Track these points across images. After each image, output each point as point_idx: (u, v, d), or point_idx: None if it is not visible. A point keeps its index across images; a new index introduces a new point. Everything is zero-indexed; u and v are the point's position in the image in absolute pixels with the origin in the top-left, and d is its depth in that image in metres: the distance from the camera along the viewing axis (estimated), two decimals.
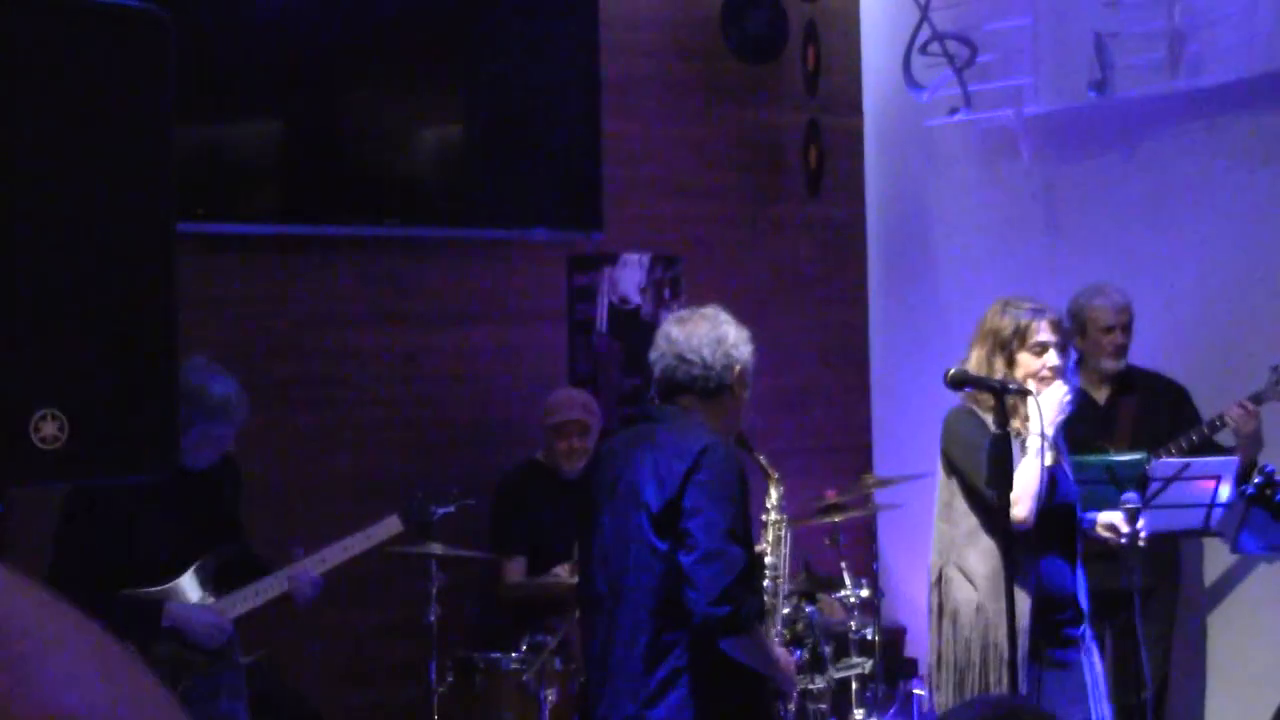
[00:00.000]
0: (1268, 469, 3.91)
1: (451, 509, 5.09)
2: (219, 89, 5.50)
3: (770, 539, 4.06)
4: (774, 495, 4.09)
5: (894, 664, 6.26)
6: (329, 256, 5.85)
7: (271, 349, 5.74)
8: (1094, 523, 4.39)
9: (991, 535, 4.16)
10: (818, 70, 6.78)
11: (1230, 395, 5.23)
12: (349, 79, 5.83)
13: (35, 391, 2.03)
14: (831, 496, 5.59)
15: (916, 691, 5.93)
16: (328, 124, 5.81)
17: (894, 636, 6.51)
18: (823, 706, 5.14)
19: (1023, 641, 3.99)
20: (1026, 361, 4.17)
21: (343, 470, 5.80)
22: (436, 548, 5.07)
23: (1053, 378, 4.16)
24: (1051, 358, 4.17)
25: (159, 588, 4.39)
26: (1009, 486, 3.83)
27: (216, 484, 4.57)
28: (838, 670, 5.23)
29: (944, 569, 4.29)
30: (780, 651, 3.82)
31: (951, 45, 6.23)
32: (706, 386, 3.78)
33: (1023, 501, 4.03)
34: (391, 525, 4.78)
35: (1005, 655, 3.93)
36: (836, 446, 6.92)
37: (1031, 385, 4.13)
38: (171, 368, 2.18)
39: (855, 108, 7.04)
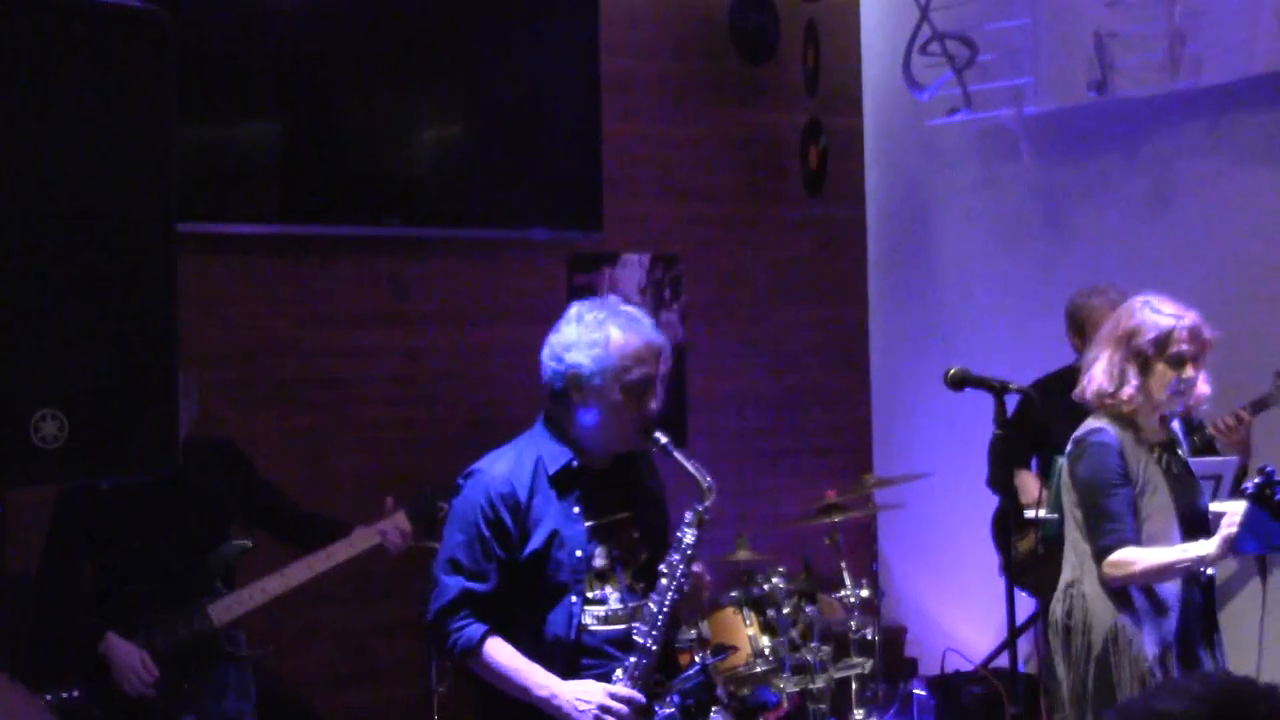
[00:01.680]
0: (1268, 470, 3.89)
1: None
2: (219, 89, 5.51)
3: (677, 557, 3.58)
4: (698, 507, 3.55)
5: (894, 664, 6.26)
6: (329, 256, 5.85)
7: (271, 349, 5.74)
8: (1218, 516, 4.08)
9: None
10: (818, 70, 6.78)
11: (1230, 396, 5.22)
12: (349, 79, 5.83)
13: (35, 391, 2.03)
14: (831, 496, 5.59)
15: (916, 691, 5.93)
16: (328, 124, 5.81)
17: (894, 636, 6.52)
18: (823, 706, 5.14)
19: (1171, 655, 3.89)
20: (1162, 372, 3.90)
21: (343, 470, 5.80)
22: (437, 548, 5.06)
23: (1187, 393, 3.91)
24: (1188, 371, 3.90)
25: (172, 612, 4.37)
26: (1011, 487, 3.72)
27: (198, 474, 4.47)
28: (838, 670, 5.23)
29: (1076, 583, 4.00)
30: (568, 692, 3.43)
31: (951, 45, 6.23)
32: (549, 392, 3.58)
33: (1130, 575, 3.88)
34: (399, 521, 4.76)
35: (1148, 670, 3.83)
36: (836, 446, 6.92)
37: (1167, 399, 3.92)
38: (171, 368, 2.18)
39: (855, 108, 7.04)
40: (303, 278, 5.81)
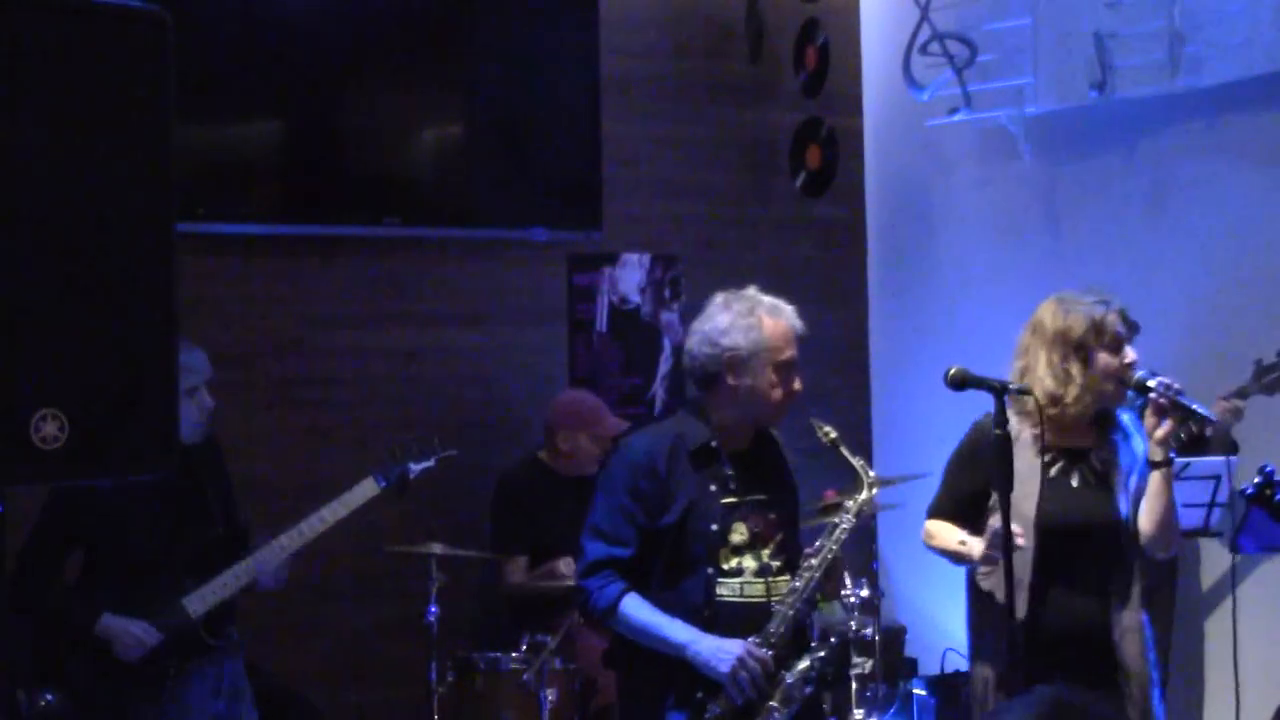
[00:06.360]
0: (1268, 469, 3.88)
1: (431, 463, 4.84)
2: (219, 89, 5.50)
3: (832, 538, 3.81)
4: (859, 498, 3.85)
5: (894, 664, 6.26)
6: (329, 256, 5.85)
7: (271, 349, 5.74)
8: None
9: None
10: (818, 70, 6.78)
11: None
12: (349, 79, 5.83)
13: (35, 391, 2.03)
14: (831, 496, 5.59)
15: (916, 691, 5.92)
16: (328, 124, 5.81)
17: (894, 636, 6.51)
18: (823, 706, 5.14)
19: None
20: (1106, 361, 3.75)
21: (343, 470, 5.78)
22: (437, 548, 5.05)
23: (1131, 374, 3.75)
24: (1129, 353, 3.79)
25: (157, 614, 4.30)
26: (1010, 486, 3.62)
27: (198, 463, 4.43)
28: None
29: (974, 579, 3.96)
30: (709, 641, 3.59)
31: (951, 45, 6.22)
32: (697, 378, 3.81)
33: (929, 545, 3.98)
34: (367, 488, 4.63)
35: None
36: None
37: (1115, 387, 3.75)
38: (171, 368, 2.18)
39: (855, 108, 7.04)
40: (303, 278, 5.81)
